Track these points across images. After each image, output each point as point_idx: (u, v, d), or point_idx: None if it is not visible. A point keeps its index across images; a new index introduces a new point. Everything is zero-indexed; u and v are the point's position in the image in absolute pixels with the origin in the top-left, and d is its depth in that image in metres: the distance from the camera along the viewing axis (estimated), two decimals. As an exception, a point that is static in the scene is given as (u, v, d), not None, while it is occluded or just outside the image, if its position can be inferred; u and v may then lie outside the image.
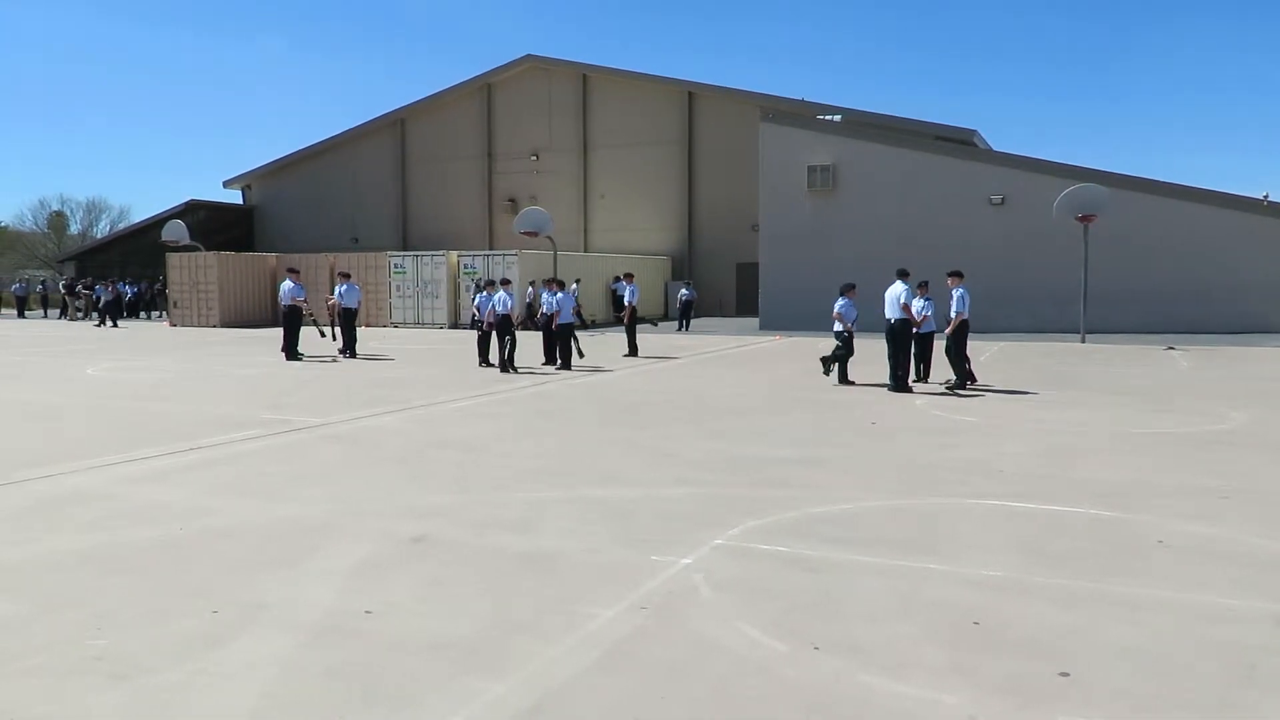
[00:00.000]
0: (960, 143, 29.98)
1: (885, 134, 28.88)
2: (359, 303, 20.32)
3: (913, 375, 13.87)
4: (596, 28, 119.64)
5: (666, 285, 35.43)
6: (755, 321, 28.77)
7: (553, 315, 17.04)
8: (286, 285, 19.25)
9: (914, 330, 13.64)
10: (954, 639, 4.30)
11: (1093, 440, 9.49)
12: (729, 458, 8.59)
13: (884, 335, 13.58)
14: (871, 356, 15.50)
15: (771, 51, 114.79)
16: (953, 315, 13.56)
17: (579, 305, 24.53)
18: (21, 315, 40.60)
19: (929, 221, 26.25)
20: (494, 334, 16.59)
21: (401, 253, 31.76)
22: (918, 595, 4.89)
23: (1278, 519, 6.41)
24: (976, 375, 13.94)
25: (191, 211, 41.79)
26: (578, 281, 29.79)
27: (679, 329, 27.78)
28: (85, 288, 38.50)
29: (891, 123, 31.24)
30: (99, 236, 59.99)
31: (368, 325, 27.63)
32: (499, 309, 16.44)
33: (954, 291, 13.65)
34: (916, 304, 13.61)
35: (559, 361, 16.88)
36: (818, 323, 22.57)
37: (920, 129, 30.69)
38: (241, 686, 3.83)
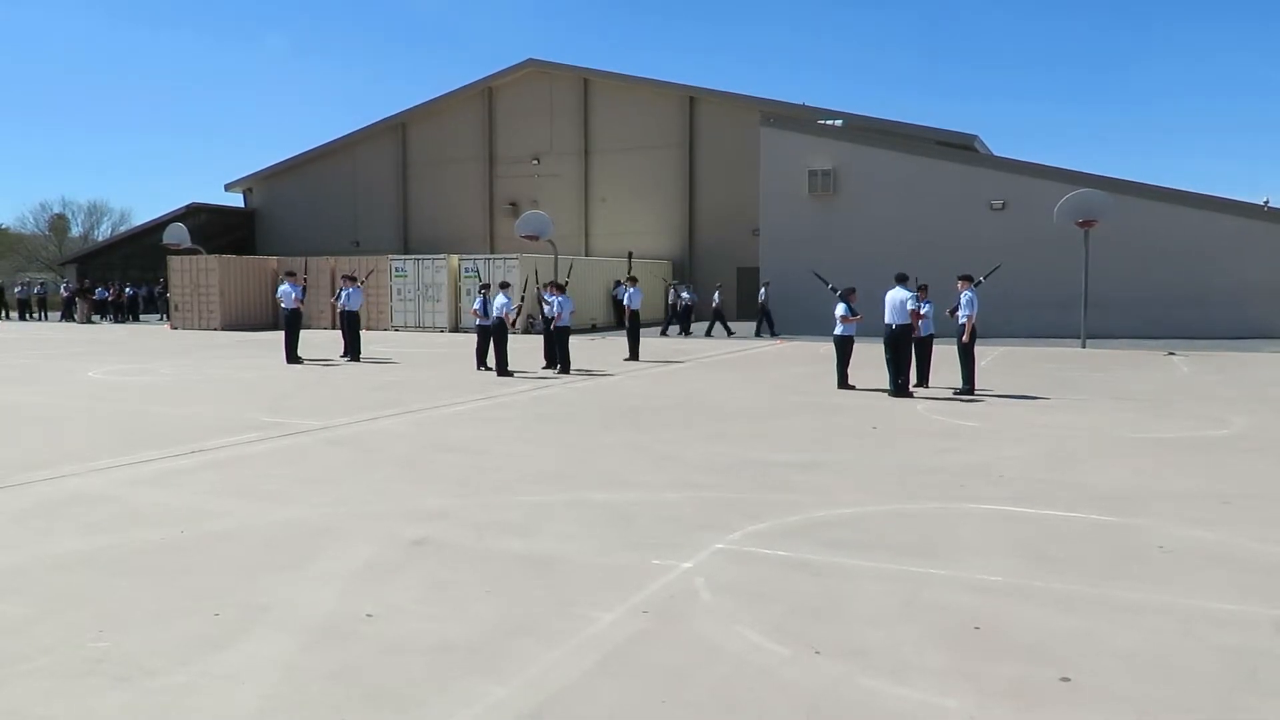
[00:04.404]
0: (961, 148, 30.01)
1: (886, 139, 28.91)
2: (361, 306, 20.33)
3: (913, 380, 13.87)
4: (598, 32, 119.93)
5: (667, 289, 35.39)
6: (755, 325, 28.73)
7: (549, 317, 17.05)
8: (284, 288, 19.26)
9: (913, 334, 13.64)
10: (955, 643, 4.30)
11: (1094, 445, 9.49)
12: (730, 461, 8.59)
13: (883, 340, 13.58)
14: (871, 361, 15.50)
15: (772, 56, 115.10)
16: (962, 319, 13.50)
17: (719, 303, 24.67)
18: (23, 318, 40.67)
19: (930, 226, 26.26)
20: (492, 338, 16.59)
21: (402, 256, 31.78)
22: (919, 599, 4.89)
23: (1279, 523, 6.41)
24: (976, 381, 13.93)
25: (193, 214, 41.83)
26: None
27: (679, 333, 27.77)
28: (88, 290, 38.54)
29: (892, 127, 31.26)
30: (100, 240, 60.03)
31: (368, 329, 27.64)
32: (496, 312, 16.44)
33: (962, 295, 13.62)
34: (923, 309, 13.61)
35: (559, 365, 16.87)
36: (818, 327, 22.59)
37: (921, 134, 30.70)
38: (244, 689, 3.84)
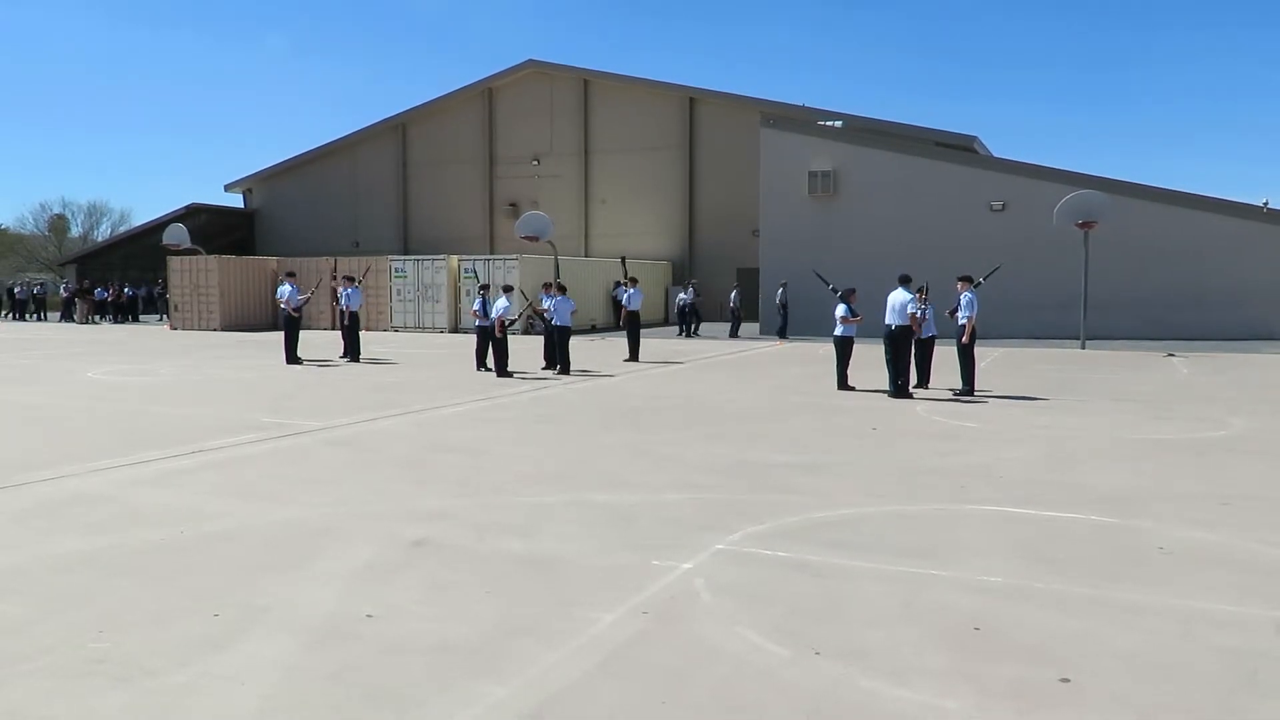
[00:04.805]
0: (960, 149, 30.02)
1: (886, 140, 28.92)
2: (361, 306, 20.32)
3: (913, 380, 13.86)
4: (598, 32, 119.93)
5: (667, 290, 35.44)
6: (755, 326, 28.77)
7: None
8: (285, 289, 19.25)
9: (913, 335, 13.62)
10: (955, 644, 4.31)
11: (1093, 446, 9.49)
12: (730, 462, 8.60)
13: (883, 341, 13.57)
14: (871, 362, 15.51)
15: (772, 56, 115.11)
16: (962, 320, 13.48)
17: (737, 304, 23.83)
18: (23, 318, 40.70)
19: (930, 227, 26.27)
20: (491, 339, 16.59)
21: (402, 257, 31.79)
22: (919, 600, 4.89)
23: (1278, 524, 6.41)
24: (976, 383, 13.92)
25: (193, 215, 41.86)
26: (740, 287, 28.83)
27: (679, 334, 27.79)
28: (88, 291, 38.55)
29: (892, 129, 31.28)
30: (100, 240, 60.03)
31: (367, 329, 27.63)
32: (496, 313, 16.44)
33: (962, 296, 13.61)
34: (920, 310, 13.57)
35: (559, 366, 16.87)
36: (818, 328, 22.60)
37: (921, 135, 30.71)
38: (244, 689, 3.84)
